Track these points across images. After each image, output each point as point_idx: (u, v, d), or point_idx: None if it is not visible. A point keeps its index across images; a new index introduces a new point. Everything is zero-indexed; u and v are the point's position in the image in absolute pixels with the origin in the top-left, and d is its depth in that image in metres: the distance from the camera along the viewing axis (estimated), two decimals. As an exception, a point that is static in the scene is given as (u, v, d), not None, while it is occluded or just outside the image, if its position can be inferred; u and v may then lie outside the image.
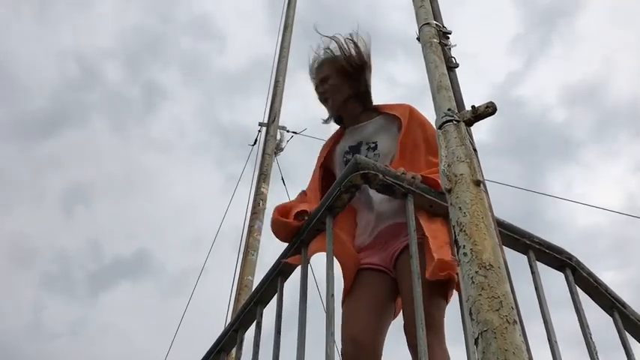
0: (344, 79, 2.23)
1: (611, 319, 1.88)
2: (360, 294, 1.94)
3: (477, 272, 1.07)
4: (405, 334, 1.79)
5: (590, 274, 1.90)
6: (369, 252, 2.01)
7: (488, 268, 1.07)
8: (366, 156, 2.07)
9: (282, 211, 1.99)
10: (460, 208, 1.21)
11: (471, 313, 1.04)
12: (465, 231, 1.16)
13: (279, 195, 5.54)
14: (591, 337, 1.69)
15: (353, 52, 2.24)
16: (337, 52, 2.26)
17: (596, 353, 1.66)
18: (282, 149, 5.68)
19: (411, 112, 2.14)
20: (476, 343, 0.99)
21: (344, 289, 1.95)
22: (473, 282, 1.06)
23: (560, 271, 1.85)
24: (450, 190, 1.27)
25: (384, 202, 2.01)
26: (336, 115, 2.30)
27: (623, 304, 1.88)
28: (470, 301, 1.05)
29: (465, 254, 1.12)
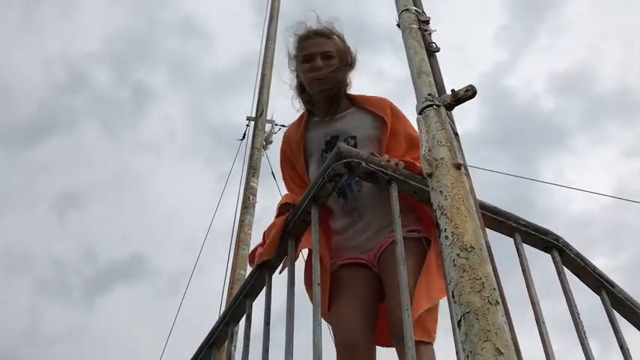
0: (341, 66, 2.04)
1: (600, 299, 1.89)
2: (347, 296, 1.88)
3: (458, 255, 1.07)
4: (390, 325, 1.75)
5: (578, 254, 1.91)
6: (351, 249, 1.96)
7: (469, 250, 1.07)
8: None
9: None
10: (441, 191, 1.21)
11: (453, 296, 1.04)
12: (446, 214, 1.16)
13: (269, 189, 5.53)
14: (579, 317, 1.69)
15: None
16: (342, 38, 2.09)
17: (585, 333, 1.66)
18: (271, 142, 5.68)
19: (393, 110, 2.04)
20: (459, 325, 0.99)
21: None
22: (454, 264, 1.06)
23: (548, 252, 1.86)
24: (431, 175, 1.27)
25: (373, 213, 1.95)
26: (313, 99, 2.08)
27: (611, 283, 1.89)
28: (452, 284, 1.05)
29: (446, 237, 1.12)
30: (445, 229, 1.14)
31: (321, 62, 2.01)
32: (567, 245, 1.88)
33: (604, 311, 1.83)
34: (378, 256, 1.91)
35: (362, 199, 1.97)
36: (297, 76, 2.12)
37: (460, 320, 0.99)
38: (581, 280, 1.89)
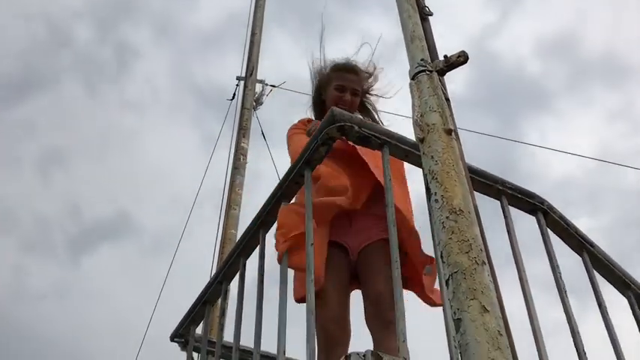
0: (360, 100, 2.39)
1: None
2: (333, 275, 1.99)
3: (447, 217, 1.12)
4: (373, 306, 1.93)
5: (562, 217, 1.97)
6: (342, 229, 2.06)
7: (458, 213, 1.12)
8: None
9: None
10: (432, 156, 1.25)
11: (442, 256, 1.09)
12: (436, 179, 1.20)
13: (259, 150, 5.55)
14: (561, 277, 1.76)
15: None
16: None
17: (566, 292, 1.74)
18: (261, 103, 5.65)
19: None
20: (447, 284, 1.05)
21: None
22: (444, 227, 1.11)
23: (533, 215, 1.92)
24: (422, 140, 1.31)
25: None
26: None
27: (592, 244, 1.96)
28: (441, 245, 1.10)
29: (436, 201, 1.17)
30: (435, 192, 1.18)
31: (349, 97, 2.34)
32: (552, 208, 1.94)
33: (581, 272, 1.91)
34: (362, 248, 2.04)
35: None
36: (318, 90, 2.43)
37: (448, 279, 1.04)
38: (564, 241, 1.96)
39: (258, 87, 5.56)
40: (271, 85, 5.66)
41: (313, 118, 2.43)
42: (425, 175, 1.25)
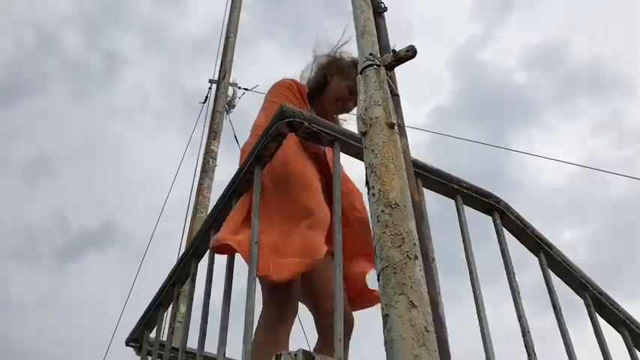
0: None
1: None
2: None
3: (382, 211, 1.08)
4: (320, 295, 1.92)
5: (519, 217, 1.94)
6: None
7: (393, 206, 1.08)
8: None
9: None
10: (373, 150, 1.21)
11: (375, 250, 1.05)
12: (375, 172, 1.16)
13: (232, 152, 5.49)
14: (514, 277, 1.73)
15: None
16: None
17: (519, 293, 1.71)
18: (234, 106, 5.61)
19: None
20: (378, 279, 1.01)
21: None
22: (378, 220, 1.07)
23: (489, 214, 1.89)
24: (365, 134, 1.27)
25: None
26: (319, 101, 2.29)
27: (549, 245, 1.93)
28: (375, 239, 1.06)
29: (373, 194, 1.13)
30: (373, 186, 1.14)
31: (352, 105, 2.29)
32: (508, 208, 1.91)
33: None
34: None
35: None
36: (326, 69, 2.32)
37: (379, 274, 1.00)
38: (521, 242, 1.93)
39: (231, 90, 5.52)
40: (244, 89, 5.61)
41: (306, 85, 2.30)
42: (365, 169, 1.21)
